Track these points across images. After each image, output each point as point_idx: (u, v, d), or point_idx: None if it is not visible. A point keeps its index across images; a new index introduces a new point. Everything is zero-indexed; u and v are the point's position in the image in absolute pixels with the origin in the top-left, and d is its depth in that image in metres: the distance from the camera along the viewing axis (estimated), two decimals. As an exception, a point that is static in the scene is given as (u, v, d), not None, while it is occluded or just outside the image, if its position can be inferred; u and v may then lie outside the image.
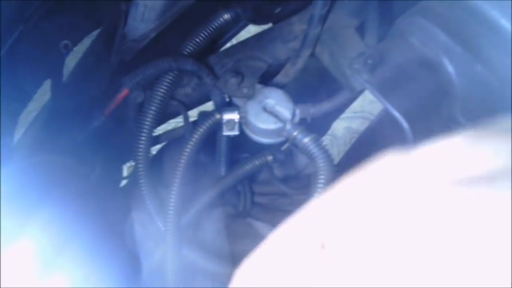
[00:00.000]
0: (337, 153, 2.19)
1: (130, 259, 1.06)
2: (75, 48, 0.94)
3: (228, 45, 1.19)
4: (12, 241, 0.79)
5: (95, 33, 0.96)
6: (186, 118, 1.07)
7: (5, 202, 0.76)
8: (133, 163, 1.07)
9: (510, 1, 0.72)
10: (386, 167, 0.43)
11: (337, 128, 2.61)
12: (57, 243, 0.87)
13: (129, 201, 1.07)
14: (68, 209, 0.91)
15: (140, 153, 1.03)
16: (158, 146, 1.18)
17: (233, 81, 0.98)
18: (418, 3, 0.86)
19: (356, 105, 2.50)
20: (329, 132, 2.04)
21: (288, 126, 0.94)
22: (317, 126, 1.09)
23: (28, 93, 0.90)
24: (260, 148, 1.03)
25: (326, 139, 2.54)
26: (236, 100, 1.01)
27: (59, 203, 0.89)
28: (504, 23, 0.73)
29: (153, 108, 1.01)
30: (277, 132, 0.97)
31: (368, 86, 0.87)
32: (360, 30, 1.00)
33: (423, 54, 0.86)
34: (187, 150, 1.00)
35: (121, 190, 1.17)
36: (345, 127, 2.65)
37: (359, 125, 2.62)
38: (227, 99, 1.06)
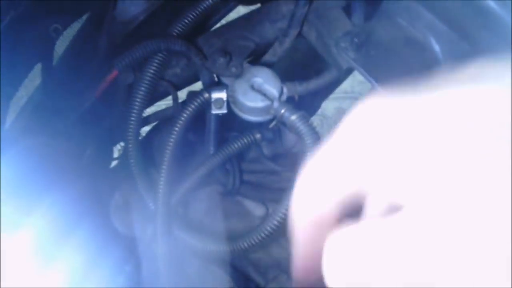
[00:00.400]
0: (327, 133, 2.20)
1: (124, 238, 1.07)
2: (65, 32, 0.94)
3: (218, 26, 1.19)
4: (13, 226, 0.79)
5: (84, 16, 0.96)
6: (175, 98, 1.07)
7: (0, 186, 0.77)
8: (123, 144, 1.08)
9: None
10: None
11: (327, 108, 2.62)
12: (59, 227, 0.87)
13: (119, 181, 1.08)
14: (66, 191, 0.91)
15: (130, 134, 1.04)
16: (148, 128, 1.19)
17: (222, 60, 0.99)
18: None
19: (346, 86, 2.52)
20: (319, 112, 2.04)
21: (276, 104, 0.95)
22: (306, 106, 1.10)
23: (19, 77, 0.90)
24: (248, 127, 1.04)
25: (316, 119, 2.56)
26: (225, 79, 1.01)
27: (49, 184, 0.90)
28: (491, 4, 0.73)
29: (143, 89, 1.02)
30: (265, 110, 0.97)
31: (354, 64, 0.87)
32: (347, 10, 1.00)
33: (410, 33, 0.86)
34: (176, 129, 1.01)
35: (112, 171, 1.18)
36: (335, 108, 2.66)
37: (349, 106, 2.63)
38: (216, 79, 1.06)
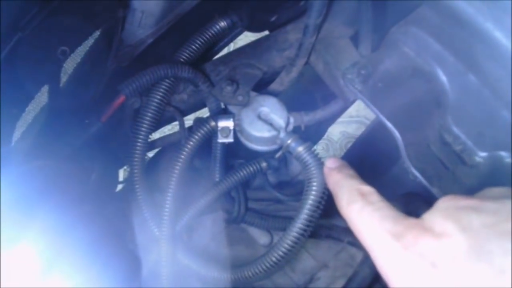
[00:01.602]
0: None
1: (130, 260, 1.07)
2: (72, 54, 0.95)
3: (225, 50, 1.19)
4: (12, 245, 0.79)
5: (92, 39, 0.97)
6: (182, 124, 1.07)
7: (4, 207, 0.77)
8: (128, 168, 1.08)
9: (504, 13, 0.72)
10: None
11: (333, 132, 2.62)
12: (56, 247, 0.87)
13: (126, 205, 1.08)
14: (67, 214, 0.91)
15: (136, 159, 1.04)
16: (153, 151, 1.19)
17: (229, 89, 0.99)
18: (412, 13, 0.87)
19: (352, 110, 2.52)
20: (325, 136, 2.04)
21: (282, 134, 0.95)
22: (311, 133, 1.09)
23: (26, 98, 0.90)
24: (254, 155, 1.04)
25: (322, 143, 2.56)
26: (231, 108, 1.02)
27: (57, 207, 0.90)
28: (498, 35, 0.74)
29: (149, 114, 1.02)
30: (271, 140, 0.97)
31: (361, 97, 0.87)
32: (355, 39, 1.00)
33: (417, 64, 0.86)
34: (182, 156, 1.01)
35: (117, 194, 1.17)
36: (341, 132, 2.66)
37: (354, 130, 2.63)
38: (222, 106, 1.07)
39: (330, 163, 0.80)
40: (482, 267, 0.50)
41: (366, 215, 0.64)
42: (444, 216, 0.56)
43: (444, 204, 0.58)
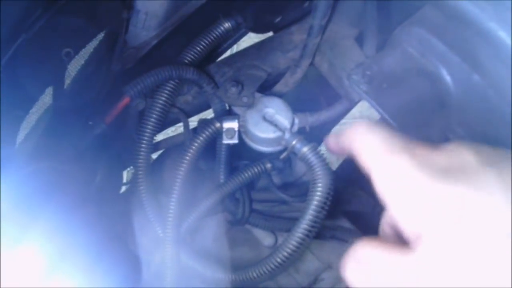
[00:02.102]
0: (336, 159, 2.19)
1: (133, 262, 1.07)
2: (76, 56, 0.95)
3: (228, 52, 1.20)
4: (14, 247, 0.79)
5: (96, 40, 0.97)
6: (186, 125, 1.08)
7: (7, 209, 0.77)
8: (132, 169, 1.08)
9: (508, 13, 0.72)
10: None
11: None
12: (59, 248, 0.87)
13: (129, 206, 1.08)
14: (71, 215, 0.91)
15: (141, 161, 1.04)
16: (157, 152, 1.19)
17: (233, 90, 1.00)
18: (416, 13, 0.87)
19: (355, 111, 2.51)
20: (329, 137, 2.04)
21: (287, 135, 0.95)
22: (316, 133, 1.09)
23: (30, 100, 0.90)
24: (259, 156, 1.04)
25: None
26: (236, 109, 1.02)
27: (61, 209, 0.90)
28: (502, 34, 0.73)
29: (154, 116, 1.02)
30: (276, 141, 0.98)
31: (366, 97, 0.87)
32: (359, 39, 1.00)
33: (421, 64, 0.86)
34: (187, 157, 1.01)
35: (121, 196, 1.18)
36: (344, 132, 2.66)
37: (358, 131, 2.63)
38: (227, 108, 1.07)
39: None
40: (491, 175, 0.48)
41: (371, 135, 0.56)
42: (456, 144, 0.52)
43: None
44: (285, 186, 1.16)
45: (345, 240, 1.19)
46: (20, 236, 0.81)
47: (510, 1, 0.72)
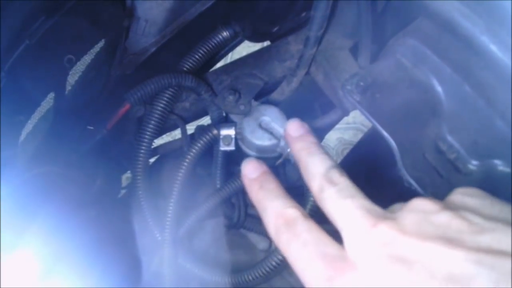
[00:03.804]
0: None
1: (132, 264, 1.08)
2: (78, 62, 0.96)
3: (222, 60, 1.21)
4: (13, 250, 0.80)
5: (98, 47, 0.98)
6: (184, 132, 1.09)
7: (7, 212, 0.78)
8: (131, 174, 1.09)
9: (499, 27, 0.74)
10: None
11: (329, 139, 2.63)
12: (56, 251, 0.88)
13: (128, 210, 1.09)
14: (71, 219, 0.93)
15: (139, 165, 1.06)
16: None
17: (231, 98, 1.01)
18: (410, 25, 0.89)
19: (348, 117, 2.53)
20: (322, 143, 2.05)
21: (282, 143, 0.97)
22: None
23: (33, 105, 0.91)
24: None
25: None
26: (233, 117, 1.04)
27: (61, 213, 0.91)
28: (493, 48, 0.75)
29: (153, 122, 1.04)
30: (272, 148, 1.00)
31: (360, 108, 0.89)
32: (354, 50, 1.02)
33: (413, 75, 0.88)
34: (185, 163, 1.03)
35: (120, 200, 1.19)
36: (337, 138, 2.67)
37: (351, 136, 2.64)
38: (224, 115, 1.09)
39: (291, 130, 0.77)
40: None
41: (339, 204, 0.61)
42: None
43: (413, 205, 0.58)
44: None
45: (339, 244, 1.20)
46: (19, 239, 0.82)
47: (501, 16, 0.73)
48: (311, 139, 0.73)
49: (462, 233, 0.52)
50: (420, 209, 0.56)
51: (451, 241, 0.51)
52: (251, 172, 0.73)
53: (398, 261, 0.52)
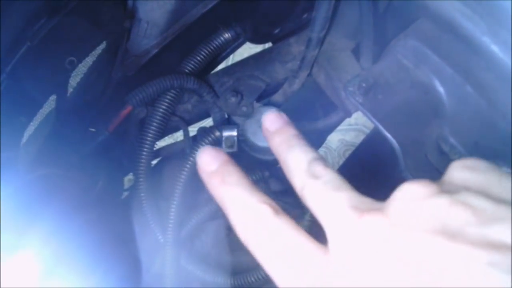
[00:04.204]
0: (331, 165, 2.21)
1: (133, 265, 1.08)
2: (79, 64, 0.96)
3: (224, 62, 1.21)
4: (14, 251, 0.80)
5: (99, 49, 0.98)
6: (186, 133, 1.09)
7: (9, 214, 0.78)
8: (133, 176, 1.09)
9: (500, 28, 0.74)
10: None
11: (331, 140, 2.63)
12: (58, 253, 0.88)
13: (130, 212, 1.09)
14: (72, 221, 0.93)
15: (141, 167, 1.06)
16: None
17: (233, 100, 1.01)
18: (411, 26, 0.88)
19: (350, 118, 2.54)
20: (324, 144, 2.05)
21: (284, 144, 0.96)
22: (312, 141, 1.11)
23: (35, 107, 0.91)
24: (257, 164, 1.06)
25: (320, 151, 2.57)
26: (235, 118, 1.04)
27: (63, 215, 0.91)
28: (495, 49, 0.75)
29: (155, 124, 1.04)
30: None
31: (362, 109, 0.89)
32: (356, 51, 1.02)
33: (415, 76, 0.88)
34: (188, 165, 1.03)
35: (122, 202, 1.19)
36: (339, 139, 2.67)
37: (353, 138, 2.64)
38: (226, 117, 1.09)
39: (269, 124, 0.68)
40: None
41: (322, 198, 0.54)
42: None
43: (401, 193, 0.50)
44: (282, 193, 1.17)
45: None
46: (20, 240, 0.82)
47: (502, 17, 0.73)
48: (290, 131, 0.66)
49: (465, 224, 0.43)
50: (410, 195, 0.48)
51: (452, 234, 0.43)
52: (209, 163, 0.65)
53: (384, 258, 0.45)
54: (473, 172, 0.50)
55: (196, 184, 1.07)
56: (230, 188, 0.61)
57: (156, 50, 1.05)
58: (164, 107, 1.05)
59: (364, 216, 0.48)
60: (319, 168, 0.57)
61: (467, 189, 0.47)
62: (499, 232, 0.42)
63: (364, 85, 0.89)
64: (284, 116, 0.69)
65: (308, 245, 0.52)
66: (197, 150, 1.03)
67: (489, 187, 0.47)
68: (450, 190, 0.47)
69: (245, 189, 0.60)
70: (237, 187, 0.60)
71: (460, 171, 0.51)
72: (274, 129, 0.67)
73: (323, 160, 0.59)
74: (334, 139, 2.65)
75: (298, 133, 0.66)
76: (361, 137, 2.56)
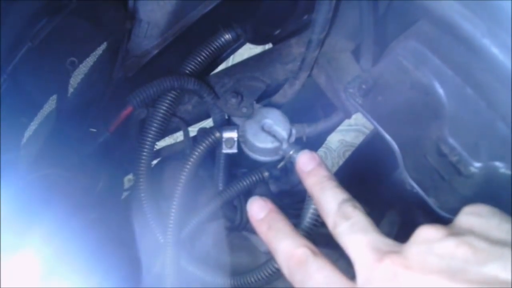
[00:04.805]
0: (331, 166, 2.20)
1: (133, 265, 1.08)
2: (80, 65, 0.96)
3: (224, 63, 1.21)
4: (14, 251, 0.80)
5: (100, 50, 0.98)
6: (186, 134, 1.10)
7: (10, 214, 0.78)
8: (133, 176, 1.09)
9: (500, 30, 0.74)
10: None
11: (331, 141, 2.63)
12: (58, 253, 0.89)
13: (130, 212, 1.09)
14: (73, 222, 0.93)
15: (142, 168, 1.06)
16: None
17: (233, 101, 1.01)
18: (411, 27, 0.89)
19: (350, 119, 2.54)
20: (324, 144, 2.05)
21: (285, 146, 0.97)
22: (312, 141, 1.11)
23: (35, 108, 0.91)
24: (257, 164, 1.06)
25: (320, 152, 2.57)
26: (235, 119, 1.04)
27: (64, 215, 0.91)
28: (495, 51, 0.75)
29: (155, 124, 1.04)
30: (274, 151, 1.00)
31: (362, 110, 0.89)
32: (356, 53, 1.02)
33: (415, 78, 0.88)
34: (188, 166, 1.03)
35: (122, 202, 1.19)
36: (339, 140, 2.67)
37: (353, 138, 2.64)
38: (226, 117, 1.09)
39: (303, 165, 0.74)
40: None
41: (351, 239, 0.62)
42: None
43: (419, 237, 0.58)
44: (281, 194, 1.18)
45: (339, 248, 1.20)
46: (21, 241, 0.83)
47: (502, 19, 0.73)
48: (322, 172, 0.72)
49: (467, 263, 0.51)
50: (424, 239, 0.56)
51: (454, 273, 0.51)
52: (258, 212, 0.73)
53: None
54: (478, 217, 0.56)
55: (196, 184, 1.07)
56: (275, 234, 0.68)
57: (156, 51, 1.06)
58: (164, 107, 1.05)
59: (384, 260, 0.56)
60: (349, 210, 0.64)
61: (472, 232, 0.54)
62: (494, 269, 0.50)
63: (364, 86, 0.89)
64: (317, 157, 0.75)
65: (341, 281, 0.60)
66: (197, 151, 1.03)
67: (490, 230, 0.54)
68: (458, 233, 0.54)
69: (288, 234, 0.68)
70: (281, 232, 0.68)
71: (467, 216, 0.57)
72: (308, 170, 0.73)
73: (353, 201, 0.66)
74: (334, 140, 2.65)
75: (330, 174, 0.72)
76: (361, 138, 2.56)
